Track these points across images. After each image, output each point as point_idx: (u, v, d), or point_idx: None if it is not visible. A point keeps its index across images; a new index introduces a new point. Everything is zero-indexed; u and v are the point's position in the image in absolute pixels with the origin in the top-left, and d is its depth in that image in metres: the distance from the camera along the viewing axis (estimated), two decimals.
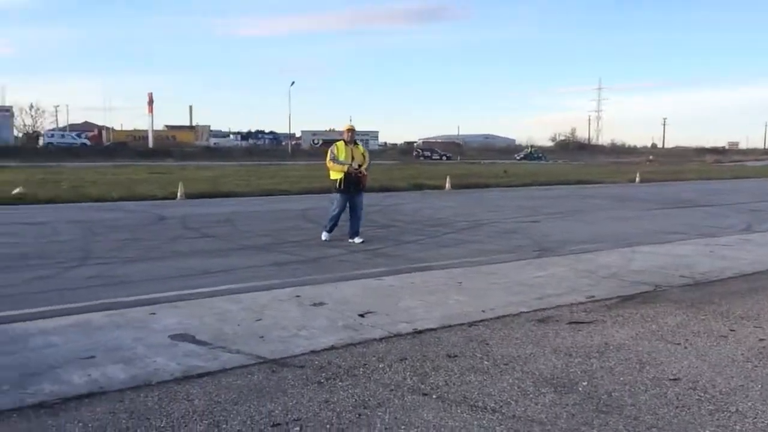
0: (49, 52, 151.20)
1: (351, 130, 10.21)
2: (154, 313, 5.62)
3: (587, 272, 7.76)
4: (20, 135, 75.12)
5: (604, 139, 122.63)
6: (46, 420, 3.48)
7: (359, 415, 3.56)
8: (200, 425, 3.42)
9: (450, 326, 5.38)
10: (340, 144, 10.14)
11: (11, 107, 74.88)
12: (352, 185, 10.06)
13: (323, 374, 4.21)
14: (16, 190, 17.47)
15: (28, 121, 78.56)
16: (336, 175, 10.05)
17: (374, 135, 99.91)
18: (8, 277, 7.30)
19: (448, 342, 4.95)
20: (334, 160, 10.04)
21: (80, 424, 3.43)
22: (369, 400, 3.77)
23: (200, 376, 4.16)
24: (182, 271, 7.78)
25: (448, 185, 23.93)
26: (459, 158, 70.35)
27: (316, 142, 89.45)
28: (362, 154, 10.20)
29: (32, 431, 3.34)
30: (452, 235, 11.54)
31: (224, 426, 3.41)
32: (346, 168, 9.95)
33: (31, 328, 5.11)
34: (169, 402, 3.73)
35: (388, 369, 4.32)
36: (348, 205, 10.18)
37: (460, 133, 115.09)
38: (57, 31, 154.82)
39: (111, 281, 7.18)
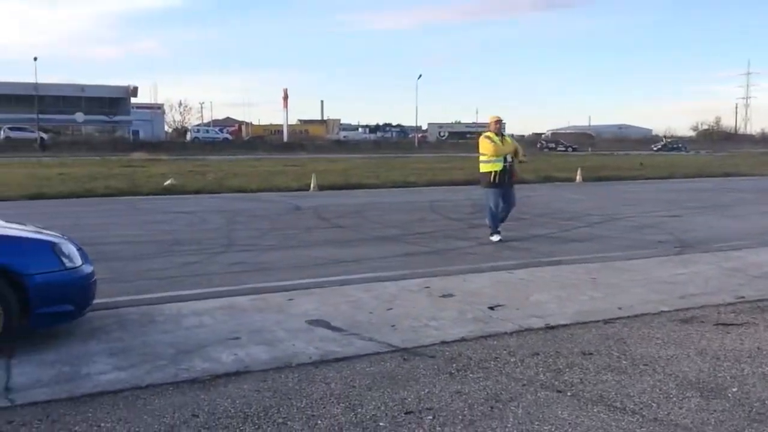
0: (195, 51, 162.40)
1: (498, 120, 9.75)
2: (291, 299, 5.91)
3: (735, 271, 7.21)
4: (170, 130, 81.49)
5: (754, 128, 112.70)
6: (198, 394, 3.78)
7: (491, 408, 3.55)
8: (337, 408, 3.57)
9: (584, 323, 5.21)
10: (492, 135, 9.59)
11: (163, 105, 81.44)
12: (508, 177, 9.54)
13: (454, 365, 4.24)
14: (168, 182, 18.99)
15: (177, 118, 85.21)
16: (491, 167, 9.47)
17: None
18: (164, 261, 7.97)
19: (583, 339, 4.80)
20: (492, 143, 9.45)
21: (229, 399, 3.69)
22: (501, 393, 3.75)
23: (336, 360, 4.33)
24: (316, 260, 8.11)
25: (579, 178, 23.10)
26: (590, 149, 67.53)
27: (442, 134, 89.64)
28: (512, 144, 9.72)
29: (187, 404, 3.63)
30: (584, 228, 11.14)
31: (359, 410, 3.53)
32: (501, 160, 9.42)
33: (184, 309, 5.56)
34: (308, 384, 3.92)
35: (520, 363, 4.27)
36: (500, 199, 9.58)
37: (592, 124, 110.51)
38: (202, 31, 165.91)
39: (252, 267, 7.64)
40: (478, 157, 9.76)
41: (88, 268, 4.90)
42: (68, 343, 4.62)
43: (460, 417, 3.43)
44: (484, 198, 9.92)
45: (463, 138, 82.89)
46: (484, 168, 9.60)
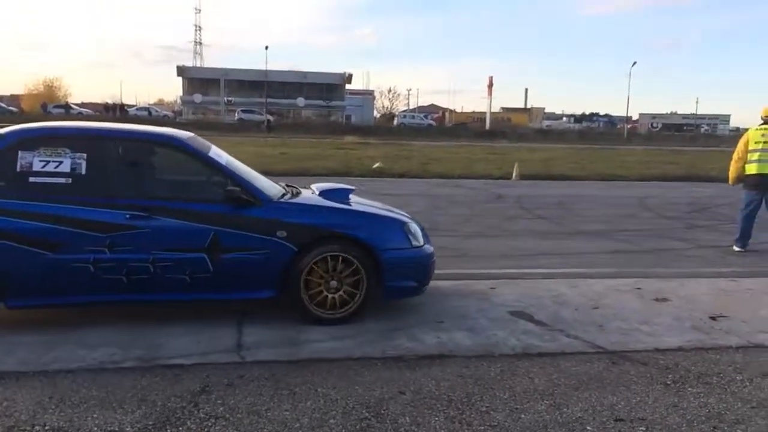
0: (405, 40, 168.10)
1: None
2: (494, 288, 5.90)
3: None
4: (378, 115, 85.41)
5: None
6: (404, 372, 3.92)
7: (714, 428, 3.25)
8: (541, 404, 3.50)
9: None
10: (753, 132, 8.29)
11: (374, 91, 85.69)
12: None
13: (670, 375, 3.94)
14: (376, 165, 19.87)
15: (386, 104, 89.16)
16: (750, 168, 8.18)
17: (725, 119, 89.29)
18: None
19: None
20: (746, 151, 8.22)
21: (433, 381, 3.79)
22: (725, 413, 3.42)
23: (539, 355, 4.25)
24: (518, 250, 8.00)
25: None
26: None
27: (654, 126, 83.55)
28: None
29: (394, 380, 3.79)
30: None
31: (565, 410, 3.43)
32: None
33: None
34: (511, 376, 3.89)
35: (747, 383, 3.85)
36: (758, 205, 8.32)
37: None
38: (413, 21, 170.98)
39: (454, 253, 7.73)
40: None
41: (429, 249, 5.18)
42: (288, 308, 5.03)
43: None
44: None
45: (680, 130, 76.45)
46: (745, 169, 8.33)
